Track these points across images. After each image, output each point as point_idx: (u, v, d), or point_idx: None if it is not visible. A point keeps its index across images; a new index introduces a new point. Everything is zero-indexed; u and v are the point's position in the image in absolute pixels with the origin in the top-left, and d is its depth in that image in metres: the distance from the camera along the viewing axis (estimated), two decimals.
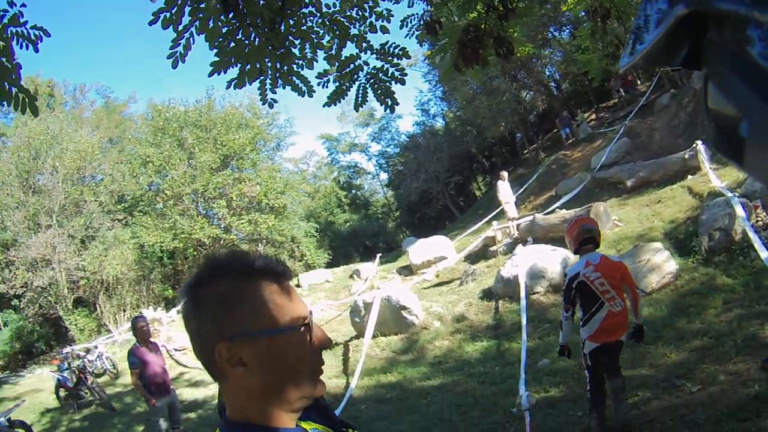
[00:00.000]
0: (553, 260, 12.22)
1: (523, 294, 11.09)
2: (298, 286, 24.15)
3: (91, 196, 30.77)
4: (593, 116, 31.14)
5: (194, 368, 15.81)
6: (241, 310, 1.31)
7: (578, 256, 6.41)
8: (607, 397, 6.16)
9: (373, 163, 45.51)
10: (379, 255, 25.75)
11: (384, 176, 46.12)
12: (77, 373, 14.35)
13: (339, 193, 44.82)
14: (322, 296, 21.80)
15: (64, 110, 38.63)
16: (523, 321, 10.06)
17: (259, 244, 33.21)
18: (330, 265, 32.16)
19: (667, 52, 0.71)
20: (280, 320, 1.33)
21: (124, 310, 29.23)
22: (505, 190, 18.51)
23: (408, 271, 21.36)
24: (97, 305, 29.41)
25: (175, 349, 17.42)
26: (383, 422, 8.73)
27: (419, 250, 20.93)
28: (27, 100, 4.20)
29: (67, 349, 18.41)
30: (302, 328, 1.34)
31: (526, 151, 34.43)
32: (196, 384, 14.64)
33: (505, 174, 19.06)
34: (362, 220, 44.12)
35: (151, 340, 9.02)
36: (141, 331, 8.81)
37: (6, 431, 9.87)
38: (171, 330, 19.48)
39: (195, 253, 31.53)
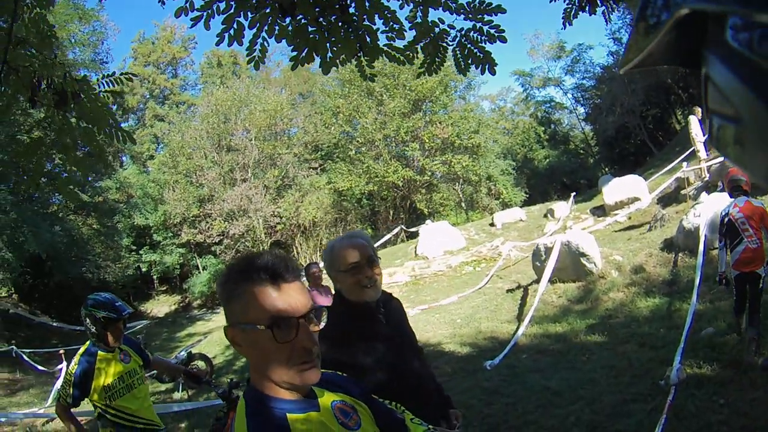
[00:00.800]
0: None
1: (701, 249, 10.22)
2: (491, 225, 24.24)
3: (285, 149, 32.39)
4: None
5: None
6: (234, 304, 1.69)
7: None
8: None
9: (570, 96, 43.21)
10: (573, 194, 24.94)
11: (581, 110, 43.82)
12: None
13: (537, 129, 43.34)
14: (514, 235, 21.71)
15: (251, 73, 40.71)
16: (697, 280, 9.31)
17: (456, 184, 33.35)
18: (527, 203, 31.72)
19: (667, 52, 0.71)
20: (256, 317, 1.64)
21: (320, 250, 30.78)
22: (697, 128, 17.03)
23: (601, 211, 20.74)
24: (294, 247, 31.33)
25: None
26: (536, 375, 8.71)
27: (613, 189, 20.07)
28: (124, 134, 5.08)
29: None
30: (267, 328, 1.62)
31: None
32: None
33: (698, 109, 17.22)
34: (561, 156, 42.59)
35: (323, 284, 9.26)
36: (313, 276, 9.16)
37: (183, 363, 10.93)
38: None
39: (391, 194, 32.34)
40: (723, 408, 6.13)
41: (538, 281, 13.13)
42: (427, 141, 31.02)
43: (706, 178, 16.48)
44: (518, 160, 39.16)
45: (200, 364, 12.25)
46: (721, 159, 15.34)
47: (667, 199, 18.01)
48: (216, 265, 34.83)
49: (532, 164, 41.65)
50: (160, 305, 39.60)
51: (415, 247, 22.45)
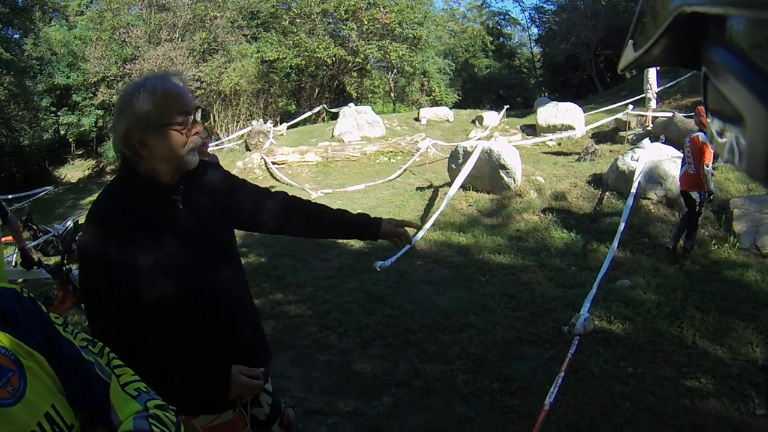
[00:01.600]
0: (678, 169, 10.02)
1: (633, 191, 9.21)
2: (416, 119, 22.78)
3: (217, 12, 29.71)
4: None
5: (286, 184, 14.93)
6: None
7: None
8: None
9: (526, 14, 40.97)
10: (507, 106, 23.61)
11: (534, 31, 42.02)
12: None
13: (485, 38, 40.62)
14: (438, 134, 20.28)
15: None
16: (621, 225, 8.25)
17: (389, 72, 31.47)
18: (458, 106, 30.01)
19: (666, 51, 0.73)
20: None
21: (238, 121, 29.33)
22: (652, 78, 16.16)
23: (532, 131, 19.62)
24: (211, 114, 29.27)
25: (273, 162, 16.63)
26: (428, 287, 7.39)
27: (549, 112, 18.94)
28: None
29: None
30: None
31: None
32: None
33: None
34: (503, 70, 40.58)
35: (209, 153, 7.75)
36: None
37: (69, 233, 9.44)
38: (274, 144, 18.68)
39: (320, 71, 30.26)
40: (629, 378, 4.96)
41: (450, 185, 11.76)
42: (366, 23, 28.59)
43: (649, 127, 15.43)
44: (458, 63, 36.97)
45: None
46: (669, 114, 14.66)
47: (602, 137, 16.95)
48: None
49: (472, 70, 39.33)
50: (75, 170, 36.61)
51: (333, 129, 20.71)
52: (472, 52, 40.10)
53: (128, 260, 1.87)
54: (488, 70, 39.58)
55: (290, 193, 2.63)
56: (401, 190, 13.30)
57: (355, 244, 9.44)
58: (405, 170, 15.20)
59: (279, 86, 30.98)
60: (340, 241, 9.76)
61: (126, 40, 29.25)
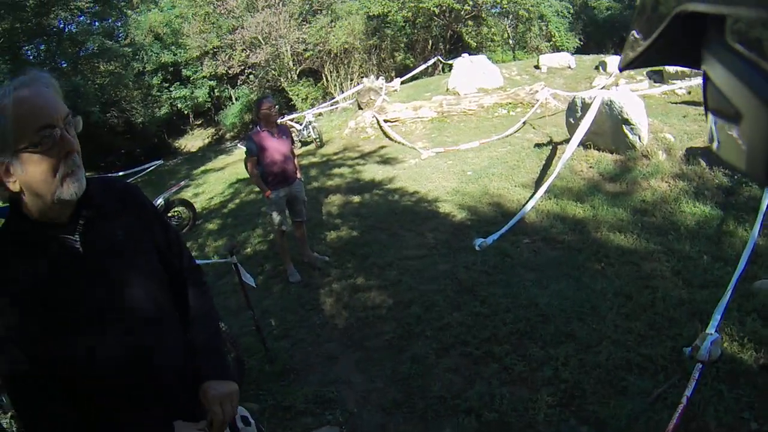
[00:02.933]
0: None
1: None
2: (536, 67, 20.55)
3: None
4: None
5: (398, 143, 13.58)
6: None
7: None
8: None
9: None
10: None
11: None
12: None
13: None
14: (559, 83, 18.11)
15: None
16: (763, 204, 6.17)
17: (506, 19, 28.75)
18: (579, 51, 26.96)
19: (666, 51, 0.71)
20: None
21: (351, 79, 27.53)
22: None
23: (659, 77, 16.97)
24: (323, 74, 27.79)
25: (385, 120, 15.22)
26: (530, 276, 5.99)
27: None
28: None
29: (280, 119, 17.62)
30: None
31: None
32: (386, 161, 12.44)
33: None
34: (625, 11, 34.88)
35: (280, 122, 7.27)
36: (264, 114, 6.66)
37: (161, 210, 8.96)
38: (387, 100, 17.17)
39: (432, 23, 28.14)
40: None
41: (568, 141, 10.05)
42: None
43: None
44: (576, 5, 33.08)
45: (181, 210, 9.72)
46: None
47: None
48: (248, 95, 31.91)
49: (592, 13, 34.84)
50: (194, 140, 37.06)
51: (447, 81, 18.89)
52: None
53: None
54: (609, 12, 35.25)
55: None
56: (518, 147, 11.64)
57: (457, 214, 8.13)
58: (523, 124, 13.45)
59: (391, 41, 29.00)
60: (441, 210, 8.49)
61: (223, 12, 28.32)
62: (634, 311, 5.06)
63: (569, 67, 20.22)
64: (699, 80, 15.00)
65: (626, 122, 8.89)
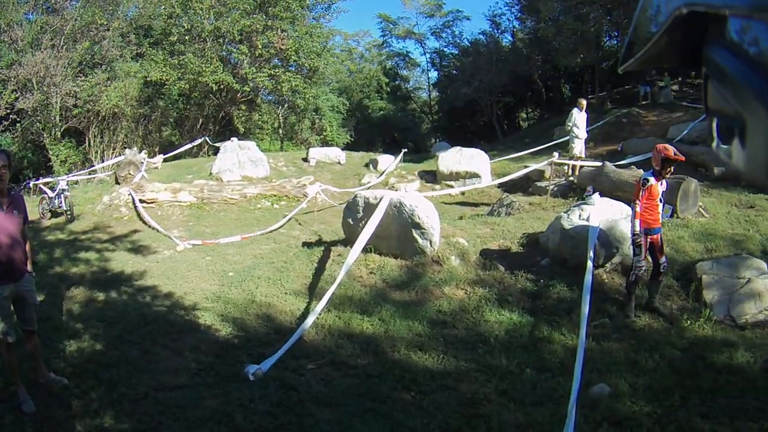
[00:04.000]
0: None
1: (590, 262, 7.07)
2: (305, 160, 20.35)
3: (104, 21, 26.46)
4: (675, 87, 26.58)
5: (153, 229, 12.05)
6: None
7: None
8: None
9: (426, 57, 39.23)
10: (404, 150, 21.59)
11: (434, 74, 40.23)
12: None
13: (381, 80, 38.49)
14: (328, 178, 17.90)
15: None
16: (584, 309, 6.02)
17: (279, 108, 28.92)
18: (350, 147, 27.70)
19: (666, 51, 0.74)
20: None
21: (114, 148, 25.43)
22: (580, 121, 14.49)
23: (432, 178, 17.74)
24: (87, 138, 25.87)
25: (141, 201, 13.68)
26: (327, 416, 4.94)
27: (452, 158, 17.12)
28: None
29: (31, 182, 15.97)
30: None
31: (591, 96, 29.30)
32: (138, 249, 10.83)
33: (584, 102, 14.92)
34: (398, 113, 38.59)
35: (30, 185, 5.75)
36: None
37: None
38: (146, 178, 15.68)
39: (206, 101, 27.44)
40: None
41: (345, 243, 9.41)
42: (260, 47, 25.97)
43: (572, 178, 13.86)
44: (352, 103, 34.84)
45: None
46: (598, 163, 13.10)
47: (512, 187, 15.00)
48: (9, 144, 28.23)
49: (366, 111, 37.39)
50: None
51: (211, 165, 17.91)
52: (367, 92, 38.19)
53: None
54: (382, 112, 37.71)
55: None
56: (284, 245, 10.69)
57: (221, 328, 6.87)
58: (289, 219, 12.63)
59: (162, 113, 27.60)
60: (202, 321, 7.12)
61: (5, 41, 25.33)
62: None
63: (339, 163, 20.35)
64: (472, 182, 15.76)
65: (417, 226, 8.49)
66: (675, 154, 6.90)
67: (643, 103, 24.58)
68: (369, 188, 15.28)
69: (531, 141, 21.86)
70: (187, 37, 26.06)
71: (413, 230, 8.47)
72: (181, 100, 28.01)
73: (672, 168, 7.02)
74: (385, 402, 5.03)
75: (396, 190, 14.93)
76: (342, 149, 22.68)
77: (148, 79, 25.56)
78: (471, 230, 9.66)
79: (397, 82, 40.83)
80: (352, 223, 9.21)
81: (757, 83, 0.54)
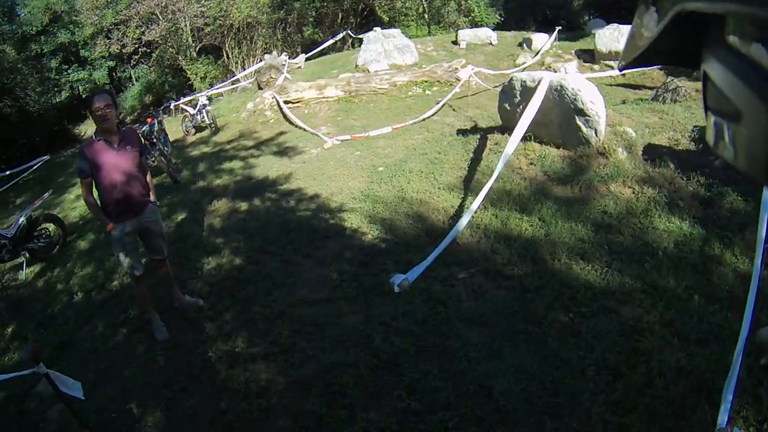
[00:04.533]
0: None
1: None
2: (455, 43, 19.28)
3: None
4: None
5: (300, 128, 11.82)
6: None
7: None
8: None
9: None
10: (559, 28, 19.82)
11: None
12: (144, 138, 10.70)
13: None
14: (480, 60, 16.87)
15: None
16: (761, 232, 4.66)
17: None
18: (499, 28, 25.78)
19: (666, 51, 0.73)
20: None
21: (254, 56, 25.38)
22: None
23: (590, 57, 16.31)
24: (224, 51, 25.78)
25: (286, 102, 13.43)
26: (475, 338, 4.48)
27: (610, 36, 15.55)
28: None
29: (172, 103, 16.16)
30: None
31: None
32: (284, 151, 10.67)
33: None
34: None
35: (175, 105, 5.70)
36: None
37: (23, 232, 8.34)
38: (289, 79, 15.36)
39: None
40: None
41: (502, 130, 8.62)
42: None
43: None
44: None
45: (48, 227, 8.89)
46: None
47: (673, 69, 12.80)
48: (147, 74, 30.01)
49: None
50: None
51: (356, 57, 17.31)
52: None
53: None
54: None
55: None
56: (438, 134, 10.09)
57: (368, 231, 6.52)
58: (443, 105, 11.96)
59: (299, 14, 26.99)
60: (347, 225, 6.84)
61: None
62: (627, 397, 3.64)
63: (490, 44, 19.10)
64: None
65: (580, 113, 7.50)
66: None
67: None
68: (524, 69, 14.31)
69: None
70: None
71: (576, 117, 7.51)
72: None
73: None
74: (540, 324, 4.49)
75: (554, 71, 13.85)
76: (492, 29, 21.22)
77: None
78: (638, 118, 8.47)
79: None
80: (508, 108, 8.40)
81: (757, 82, 0.53)
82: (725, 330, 4.18)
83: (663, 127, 8.18)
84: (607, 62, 15.22)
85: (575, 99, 7.46)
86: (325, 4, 27.38)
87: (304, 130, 11.72)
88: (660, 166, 7.13)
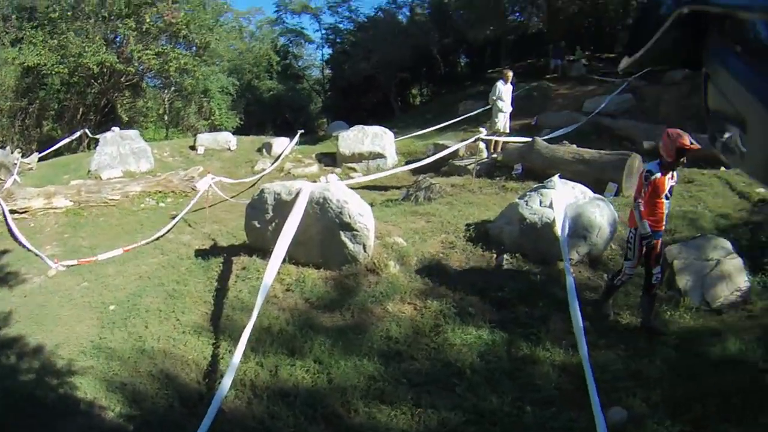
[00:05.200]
0: (601, 213, 7.10)
1: (566, 256, 6.06)
2: (192, 148, 18.12)
3: None
4: (584, 61, 25.70)
5: (25, 248, 9.69)
6: None
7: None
8: None
9: (321, 34, 36.71)
10: (301, 131, 19.61)
11: (327, 51, 37.53)
12: None
13: (272, 58, 34.94)
14: (217, 167, 15.84)
15: None
16: (577, 320, 4.82)
17: (165, 91, 26.26)
18: (239, 132, 25.32)
19: (667, 52, 0.71)
20: None
21: None
22: (505, 94, 13.19)
23: (331, 161, 15.95)
24: None
25: (12, 211, 11.19)
26: None
27: (353, 138, 15.44)
28: None
29: None
30: None
31: (491, 71, 27.88)
32: (5, 278, 8.55)
33: (509, 73, 13.63)
34: (288, 92, 35.81)
35: None
36: None
37: None
38: (19, 182, 13.10)
39: (88, 89, 24.18)
40: None
41: (249, 251, 7.53)
42: (148, 21, 23.00)
43: (495, 155, 12.55)
44: (242, 84, 32.06)
45: None
46: (526, 139, 11.91)
47: (424, 168, 13.08)
48: None
49: (257, 92, 34.61)
50: None
51: (90, 161, 15.43)
52: (257, 72, 35.33)
53: None
54: (272, 92, 34.98)
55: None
56: (175, 257, 8.59)
57: (107, 405, 4.96)
58: (178, 221, 10.56)
59: (42, 105, 24.20)
60: (81, 395, 5.18)
61: None
62: None
63: (229, 149, 18.25)
64: (375, 163, 14.38)
65: (347, 227, 6.76)
66: (691, 143, 5.53)
67: (554, 75, 23.68)
68: (262, 176, 13.87)
69: (433, 117, 20.48)
70: (69, 13, 22.71)
71: (342, 233, 6.73)
72: (63, 89, 24.69)
73: (684, 159, 5.73)
74: None
75: (295, 177, 13.52)
76: (232, 133, 20.50)
77: (27, 65, 22.36)
78: (405, 224, 7.97)
79: (288, 61, 38.23)
80: (258, 225, 7.32)
81: (757, 84, 0.53)
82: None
83: (433, 230, 7.75)
84: (350, 165, 15.01)
85: (341, 212, 6.73)
86: (69, 96, 24.88)
87: (28, 249, 9.57)
88: (439, 274, 6.52)
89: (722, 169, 10.53)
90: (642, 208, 5.60)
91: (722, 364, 5.23)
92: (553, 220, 6.62)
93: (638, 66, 0.81)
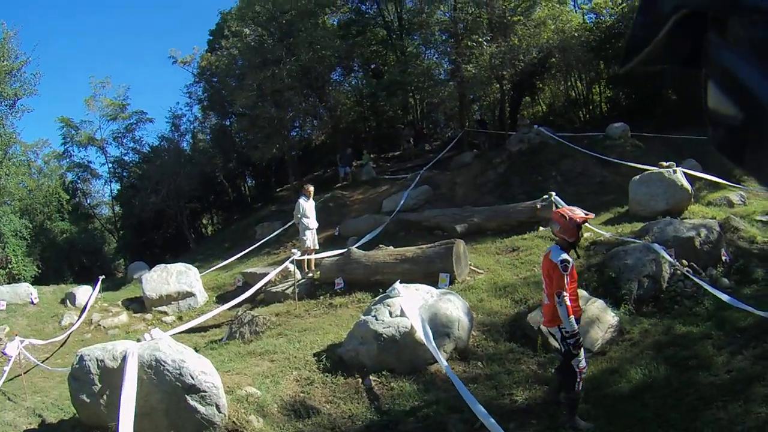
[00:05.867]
0: (455, 305, 6.85)
1: (441, 360, 5.64)
2: None
3: None
4: (372, 164, 25.12)
5: None
6: None
7: None
8: None
9: (107, 167, 32.51)
10: (101, 278, 17.10)
11: (116, 186, 33.27)
12: None
13: (62, 196, 30.67)
14: (23, 325, 13.14)
15: None
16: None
17: None
18: (38, 281, 21.61)
19: (667, 52, 0.66)
20: None
21: None
22: (309, 210, 12.25)
23: (139, 306, 13.84)
24: None
25: None
26: None
27: (157, 279, 13.56)
28: None
29: None
30: None
31: (281, 189, 27.45)
32: None
33: (311, 189, 12.72)
34: (81, 234, 31.60)
35: None
36: None
37: None
38: None
39: None
40: None
41: (85, 429, 5.84)
42: None
43: (310, 274, 11.58)
44: (35, 225, 27.26)
45: None
46: (341, 251, 11.11)
47: (231, 299, 11.19)
48: None
49: (51, 235, 29.74)
50: None
51: None
52: (48, 213, 30.28)
53: None
54: (65, 234, 30.41)
55: None
56: None
57: None
58: None
59: None
60: None
61: None
62: None
63: (32, 302, 15.32)
64: (186, 302, 13.12)
65: (192, 389, 5.41)
66: (586, 214, 5.13)
67: (344, 183, 22.80)
68: (70, 333, 11.85)
69: (231, 245, 19.20)
70: None
71: (188, 396, 5.37)
72: None
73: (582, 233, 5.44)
74: None
75: (106, 330, 12.18)
76: (31, 284, 17.34)
77: None
78: (247, 369, 6.68)
79: (77, 199, 33.72)
80: (88, 401, 5.63)
81: (757, 83, 0.51)
82: None
83: (282, 369, 6.67)
84: (159, 309, 13.11)
85: (180, 374, 5.43)
86: None
87: None
88: (309, 416, 5.44)
89: (540, 228, 10.85)
90: (569, 303, 4.77)
91: (636, 392, 5.30)
92: (411, 326, 5.99)
93: (639, 66, 0.69)
